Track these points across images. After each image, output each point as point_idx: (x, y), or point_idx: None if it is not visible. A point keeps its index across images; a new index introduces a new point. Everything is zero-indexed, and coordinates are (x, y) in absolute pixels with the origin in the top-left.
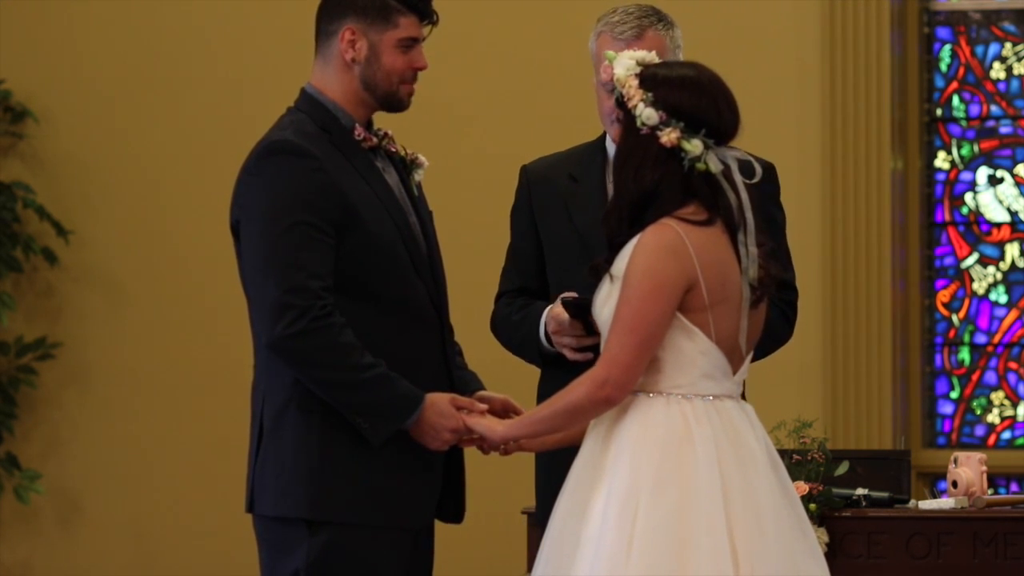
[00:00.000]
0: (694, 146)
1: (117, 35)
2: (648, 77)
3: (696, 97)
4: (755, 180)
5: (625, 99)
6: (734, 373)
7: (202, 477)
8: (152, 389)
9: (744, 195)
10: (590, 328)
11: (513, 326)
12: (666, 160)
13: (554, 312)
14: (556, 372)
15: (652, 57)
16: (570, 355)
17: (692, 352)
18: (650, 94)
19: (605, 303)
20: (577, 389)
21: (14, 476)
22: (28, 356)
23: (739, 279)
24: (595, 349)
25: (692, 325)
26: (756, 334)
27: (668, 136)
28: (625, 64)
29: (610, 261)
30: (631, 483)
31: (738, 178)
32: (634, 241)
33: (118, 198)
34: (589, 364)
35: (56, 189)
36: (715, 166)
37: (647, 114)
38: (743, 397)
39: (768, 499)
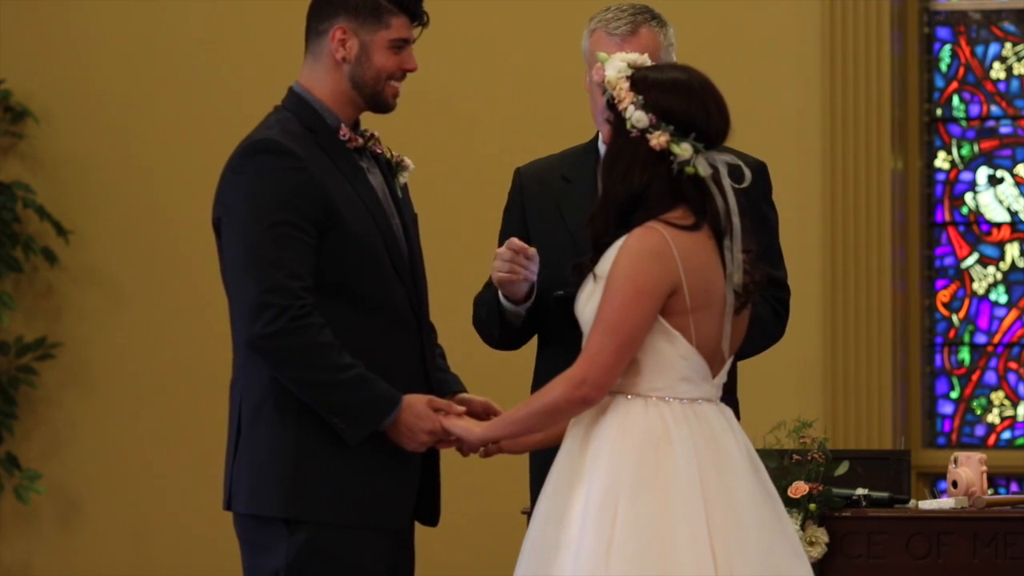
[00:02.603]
0: (683, 149)
1: (117, 35)
2: (639, 80)
3: (686, 100)
4: (744, 185)
5: (615, 101)
6: (714, 376)
7: (202, 477)
8: (152, 389)
9: (732, 200)
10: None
11: (481, 301)
12: (655, 163)
13: (497, 252)
14: (544, 372)
15: (644, 59)
16: (495, 275)
17: (672, 355)
18: (640, 97)
19: (587, 302)
20: (554, 389)
21: (14, 476)
22: (28, 356)
23: (723, 285)
24: (571, 340)
25: (673, 329)
26: (739, 339)
27: (658, 139)
28: (616, 66)
29: (594, 261)
30: (610, 485)
31: (727, 182)
32: (619, 243)
33: (118, 198)
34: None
35: (56, 189)
36: (704, 170)
37: (637, 116)
38: (736, 397)
39: (748, 500)
